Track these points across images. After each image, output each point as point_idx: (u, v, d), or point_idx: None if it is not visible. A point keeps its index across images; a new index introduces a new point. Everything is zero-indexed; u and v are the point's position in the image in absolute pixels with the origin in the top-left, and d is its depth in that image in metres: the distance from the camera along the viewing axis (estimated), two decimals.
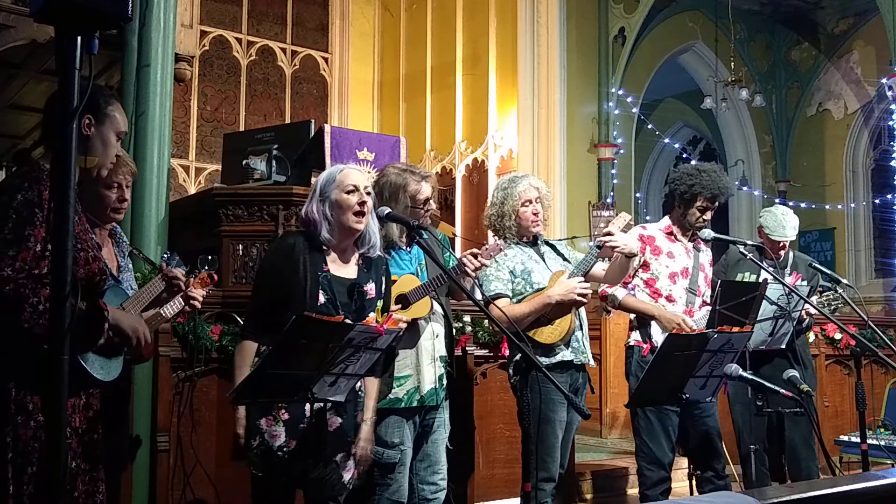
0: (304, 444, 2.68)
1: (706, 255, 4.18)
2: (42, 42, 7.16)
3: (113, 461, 2.72)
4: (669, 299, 3.99)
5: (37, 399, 2.13)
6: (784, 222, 4.44)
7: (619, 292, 3.99)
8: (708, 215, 4.04)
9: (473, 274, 3.15)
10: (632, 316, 4.08)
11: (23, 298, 2.06)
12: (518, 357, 2.74)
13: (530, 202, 3.65)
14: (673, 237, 4.08)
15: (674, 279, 4.01)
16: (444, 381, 3.32)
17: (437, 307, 3.33)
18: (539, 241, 3.76)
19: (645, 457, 3.88)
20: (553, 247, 3.83)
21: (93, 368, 2.32)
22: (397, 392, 3.18)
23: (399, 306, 3.19)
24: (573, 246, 4.46)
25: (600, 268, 3.76)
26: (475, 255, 3.16)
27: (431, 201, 3.37)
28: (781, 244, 4.47)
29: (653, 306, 3.96)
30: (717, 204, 4.04)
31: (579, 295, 3.50)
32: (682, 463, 4.65)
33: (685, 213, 4.04)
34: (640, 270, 4.03)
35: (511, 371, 3.57)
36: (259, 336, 2.82)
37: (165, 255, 2.99)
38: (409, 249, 3.35)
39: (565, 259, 3.79)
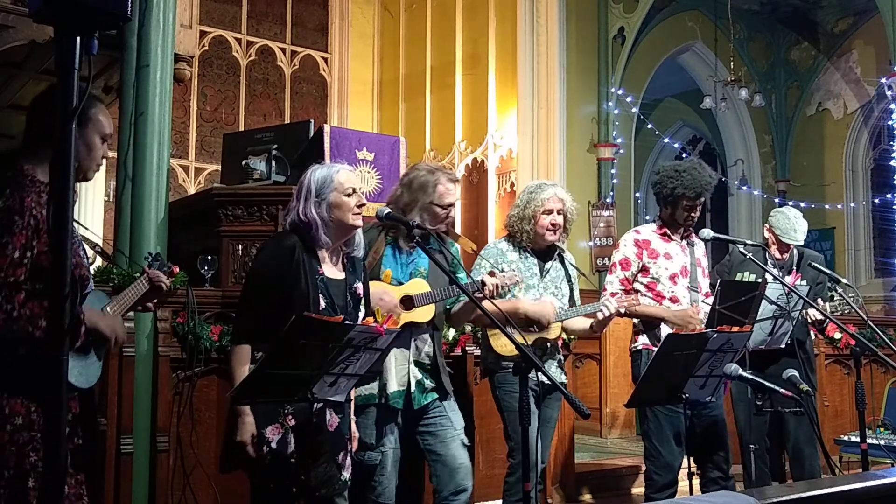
0: (307, 445, 2.67)
1: (700, 248, 4.19)
2: (41, 42, 7.15)
3: (91, 466, 2.73)
4: (674, 300, 3.99)
5: (13, 403, 2.11)
6: (796, 226, 4.54)
7: None
8: (696, 212, 4.05)
9: (490, 295, 3.21)
10: (635, 320, 4.07)
11: None
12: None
13: (551, 212, 3.67)
14: (667, 237, 4.08)
15: (674, 280, 4.01)
16: (427, 385, 3.26)
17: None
18: (553, 254, 3.77)
19: (654, 461, 3.86)
20: (563, 263, 3.83)
21: (71, 375, 2.26)
22: (368, 389, 3.17)
23: (402, 307, 3.18)
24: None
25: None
26: (495, 281, 3.21)
27: (452, 208, 3.37)
28: (788, 246, 4.59)
29: (660, 309, 3.96)
30: (702, 200, 4.05)
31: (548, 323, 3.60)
32: (682, 462, 4.63)
33: (673, 213, 4.05)
34: (640, 275, 4.03)
35: (484, 371, 3.57)
36: (255, 341, 2.76)
37: (149, 256, 2.94)
38: (410, 252, 3.33)
39: (570, 279, 3.81)
